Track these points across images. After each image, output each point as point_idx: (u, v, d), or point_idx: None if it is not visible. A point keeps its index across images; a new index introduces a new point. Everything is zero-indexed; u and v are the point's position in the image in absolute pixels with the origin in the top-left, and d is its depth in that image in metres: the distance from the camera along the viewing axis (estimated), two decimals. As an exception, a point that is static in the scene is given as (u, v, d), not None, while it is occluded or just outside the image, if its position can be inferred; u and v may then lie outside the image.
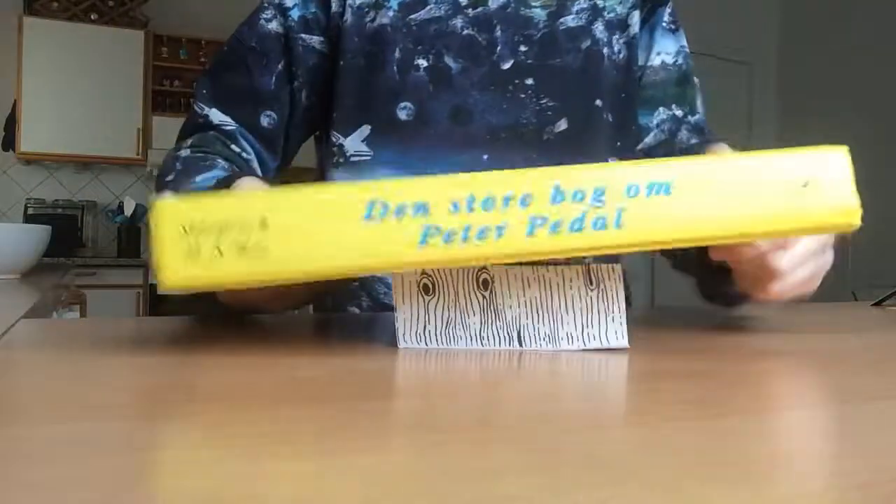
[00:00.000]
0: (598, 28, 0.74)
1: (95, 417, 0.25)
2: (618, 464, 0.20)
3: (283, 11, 0.73)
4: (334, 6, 0.73)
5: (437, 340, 0.40)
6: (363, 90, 0.72)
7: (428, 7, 0.72)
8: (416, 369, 0.36)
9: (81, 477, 0.18)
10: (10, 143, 3.90)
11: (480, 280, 0.40)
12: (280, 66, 0.73)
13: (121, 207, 4.05)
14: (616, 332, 0.40)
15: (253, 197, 0.34)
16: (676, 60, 0.81)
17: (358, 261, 0.34)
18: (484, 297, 0.40)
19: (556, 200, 0.34)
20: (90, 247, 4.10)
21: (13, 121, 3.87)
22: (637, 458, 0.21)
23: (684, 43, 0.82)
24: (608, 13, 0.76)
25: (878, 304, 0.82)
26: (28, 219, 3.73)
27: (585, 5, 0.75)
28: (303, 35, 0.73)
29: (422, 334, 0.40)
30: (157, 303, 3.83)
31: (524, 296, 0.40)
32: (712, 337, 0.51)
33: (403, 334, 0.40)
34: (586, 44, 0.73)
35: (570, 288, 0.40)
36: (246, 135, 0.73)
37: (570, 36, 0.73)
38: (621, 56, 0.75)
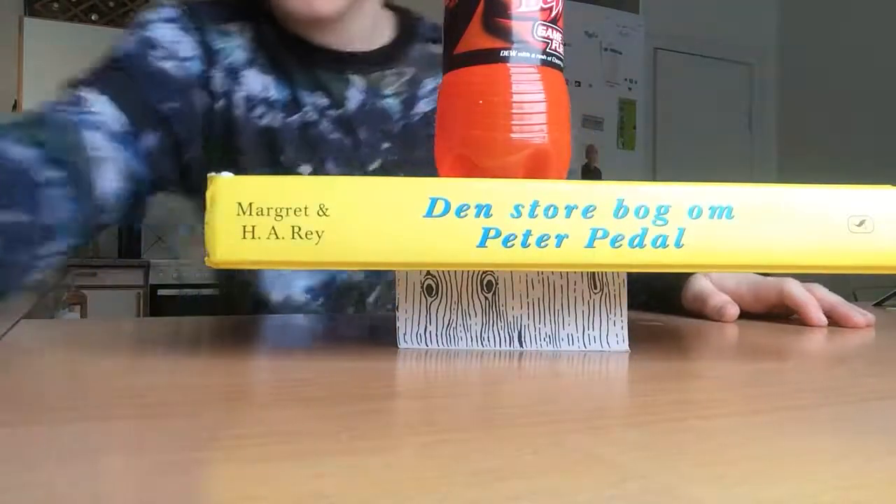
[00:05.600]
0: None
1: (95, 417, 0.25)
2: (618, 464, 0.20)
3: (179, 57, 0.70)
4: (218, 87, 0.72)
5: (437, 341, 0.40)
6: None
7: (304, 110, 0.73)
8: (416, 369, 0.36)
9: (81, 477, 0.18)
10: (10, 143, 3.90)
11: (485, 282, 0.40)
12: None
13: (121, 208, 4.05)
14: (617, 335, 0.40)
15: (314, 182, 0.34)
16: None
17: (414, 256, 0.34)
18: (486, 298, 0.40)
19: (618, 214, 0.34)
20: (90, 247, 4.10)
21: (13, 121, 3.86)
22: (637, 458, 0.21)
23: None
24: None
25: (878, 304, 0.82)
26: (28, 219, 3.73)
27: (433, 87, 0.78)
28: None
29: (422, 335, 0.40)
30: (158, 304, 3.83)
31: (527, 297, 0.40)
32: (711, 337, 0.51)
33: (404, 335, 0.40)
34: None
35: (574, 290, 0.40)
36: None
37: (426, 123, 0.76)
38: None
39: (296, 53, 0.73)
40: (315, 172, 0.72)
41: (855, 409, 0.28)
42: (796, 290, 0.58)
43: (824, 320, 0.56)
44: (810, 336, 0.52)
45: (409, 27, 0.80)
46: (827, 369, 0.39)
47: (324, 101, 0.73)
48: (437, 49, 0.75)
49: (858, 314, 0.56)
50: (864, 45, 3.45)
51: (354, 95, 0.74)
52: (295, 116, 0.73)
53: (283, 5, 0.68)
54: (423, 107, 0.77)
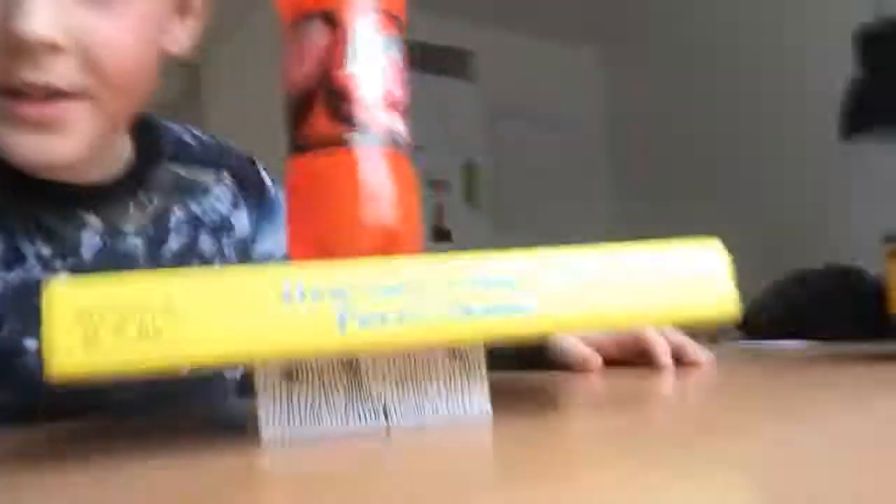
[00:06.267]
0: (205, 240, 0.68)
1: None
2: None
3: None
4: None
5: (300, 423, 0.39)
6: None
7: (26, 264, 0.58)
8: (283, 463, 0.35)
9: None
10: None
11: (347, 362, 0.40)
12: None
13: None
14: (479, 400, 0.41)
15: (156, 278, 0.32)
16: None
17: (273, 346, 0.33)
18: (349, 377, 0.40)
19: (472, 287, 0.34)
20: None
21: None
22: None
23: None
24: (209, 217, 0.69)
25: (713, 340, 0.88)
26: None
27: (182, 216, 0.67)
28: None
29: (285, 420, 0.39)
30: None
31: (390, 372, 0.40)
32: (570, 388, 0.53)
33: (266, 423, 0.39)
34: (195, 265, 0.67)
35: (434, 361, 0.41)
36: None
37: (179, 263, 0.66)
38: (234, 261, 0.71)
39: (10, 189, 0.57)
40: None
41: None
42: (649, 333, 0.64)
43: (670, 364, 0.62)
44: (661, 379, 0.56)
45: (151, 143, 0.67)
46: (684, 408, 0.41)
47: (49, 249, 0.58)
48: (183, 171, 0.69)
49: (700, 353, 0.63)
50: (679, 112, 3.79)
51: (90, 240, 0.60)
52: (14, 273, 0.57)
53: (13, 153, 0.52)
54: (173, 243, 0.66)
